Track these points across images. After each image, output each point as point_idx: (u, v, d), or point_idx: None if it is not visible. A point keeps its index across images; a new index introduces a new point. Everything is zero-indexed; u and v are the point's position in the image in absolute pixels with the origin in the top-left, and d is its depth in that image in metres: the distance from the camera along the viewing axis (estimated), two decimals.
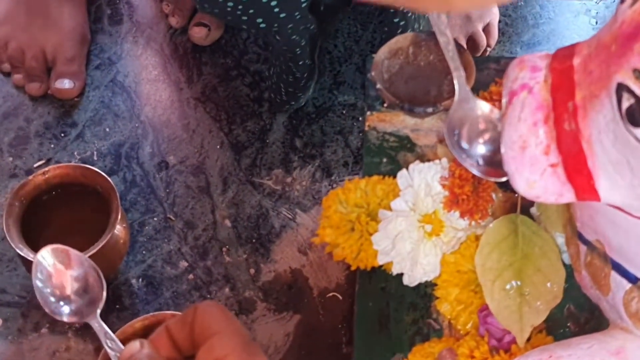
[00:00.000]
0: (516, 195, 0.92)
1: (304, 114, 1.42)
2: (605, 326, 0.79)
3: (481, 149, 0.69)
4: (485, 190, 0.86)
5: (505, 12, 1.53)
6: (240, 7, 0.99)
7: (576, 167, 0.62)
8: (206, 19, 1.46)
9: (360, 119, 1.41)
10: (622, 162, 0.59)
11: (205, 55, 1.49)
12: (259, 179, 1.36)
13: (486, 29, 1.44)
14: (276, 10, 1.01)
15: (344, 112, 1.42)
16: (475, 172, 0.69)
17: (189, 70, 1.47)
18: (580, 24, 1.52)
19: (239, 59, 1.48)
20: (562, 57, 0.64)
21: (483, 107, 0.70)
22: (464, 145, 0.69)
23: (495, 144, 0.68)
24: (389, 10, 1.16)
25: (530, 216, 0.89)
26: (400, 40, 0.96)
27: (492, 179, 0.68)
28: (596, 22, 1.52)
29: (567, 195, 0.64)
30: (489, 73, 0.97)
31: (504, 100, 0.67)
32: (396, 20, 1.19)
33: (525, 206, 0.90)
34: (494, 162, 0.69)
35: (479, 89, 0.90)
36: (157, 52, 1.49)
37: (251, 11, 1.00)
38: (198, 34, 1.46)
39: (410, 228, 0.87)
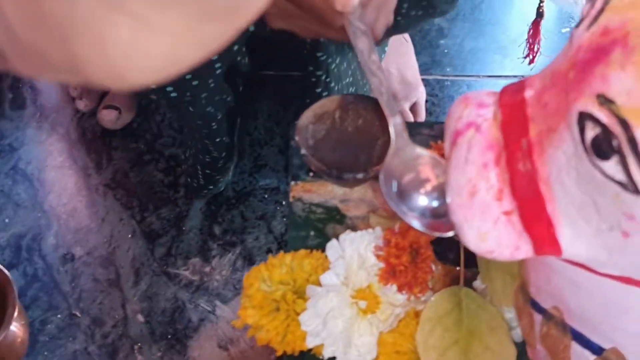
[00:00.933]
0: (457, 267, 0.84)
1: (223, 199, 1.33)
2: None
3: (424, 200, 0.61)
4: (424, 261, 0.78)
5: (432, 92, 1.48)
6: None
7: (534, 214, 0.54)
8: (116, 101, 1.38)
9: (284, 202, 1.33)
10: (587, 203, 0.52)
11: (115, 139, 1.40)
12: (175, 269, 1.26)
13: (413, 108, 1.39)
14: (188, 77, 0.93)
15: (266, 196, 1.34)
16: (418, 227, 0.61)
17: (98, 155, 1.38)
18: None
19: (153, 142, 1.40)
20: (512, 91, 0.57)
21: (423, 154, 0.62)
22: (404, 197, 0.61)
23: (440, 193, 0.60)
24: (310, 80, 1.09)
25: (475, 290, 0.81)
26: (326, 104, 0.88)
27: (439, 234, 0.60)
28: None
29: (524, 248, 0.56)
30: (422, 139, 0.90)
31: (447, 143, 0.59)
32: (318, 90, 1.12)
33: (468, 279, 0.81)
34: (439, 214, 0.61)
35: None
36: (63, 137, 1.40)
37: None
38: (108, 117, 1.38)
39: (342, 305, 0.77)
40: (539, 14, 1.22)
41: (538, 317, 0.67)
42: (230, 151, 1.26)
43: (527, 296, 0.69)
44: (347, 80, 1.18)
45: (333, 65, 1.10)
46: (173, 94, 0.96)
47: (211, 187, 1.30)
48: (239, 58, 0.96)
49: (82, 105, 1.40)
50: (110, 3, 0.31)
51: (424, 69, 1.50)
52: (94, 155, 1.38)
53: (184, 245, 1.28)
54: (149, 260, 1.26)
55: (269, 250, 1.27)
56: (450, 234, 0.59)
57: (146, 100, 1.40)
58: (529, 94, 0.56)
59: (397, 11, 0.92)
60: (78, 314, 1.19)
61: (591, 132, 0.49)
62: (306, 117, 0.87)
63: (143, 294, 1.23)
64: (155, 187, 1.34)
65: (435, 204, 0.62)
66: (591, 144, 0.49)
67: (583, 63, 0.51)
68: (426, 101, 1.44)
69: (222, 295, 1.24)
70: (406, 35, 1.39)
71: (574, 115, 0.50)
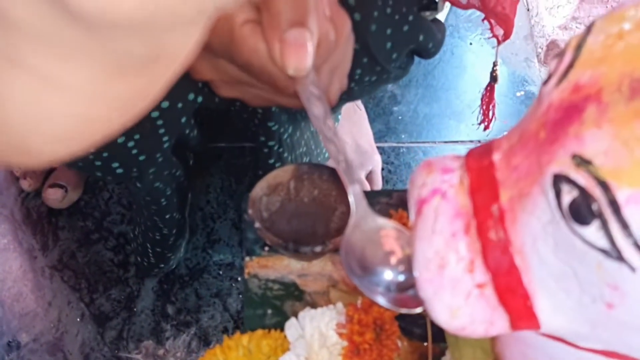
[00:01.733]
0: (425, 343, 0.79)
1: (175, 277, 1.28)
2: None
3: (388, 274, 0.56)
4: (390, 337, 0.73)
5: (388, 160, 1.45)
6: (92, 150, 0.86)
7: (509, 286, 0.50)
8: (62, 179, 1.32)
9: (239, 279, 1.27)
10: (566, 274, 0.48)
11: (62, 218, 1.35)
12: (127, 354, 1.20)
13: (369, 177, 1.36)
14: (134, 152, 0.88)
15: (221, 272, 1.29)
16: (383, 303, 0.56)
17: (43, 236, 1.32)
18: None
19: (101, 220, 1.34)
20: (479, 155, 0.53)
21: (386, 224, 0.58)
22: (367, 271, 0.57)
23: (406, 266, 0.56)
24: (262, 151, 1.05)
25: None
26: (280, 174, 0.84)
27: (406, 310, 0.55)
28: None
29: (499, 323, 0.52)
30: (381, 208, 0.86)
31: (411, 212, 0.55)
32: (271, 161, 1.08)
33: (437, 354, 0.77)
34: (406, 288, 0.56)
35: None
36: (7, 219, 1.34)
37: (105, 154, 0.87)
38: (53, 195, 1.32)
39: None
40: (493, 78, 1.19)
41: None
42: (182, 227, 1.21)
43: None
44: (301, 150, 1.15)
45: (285, 135, 1.06)
46: (119, 170, 0.91)
47: (162, 265, 1.24)
48: (187, 131, 0.91)
49: (26, 184, 1.34)
50: (4, 56, 0.26)
51: (378, 137, 1.48)
52: (40, 236, 1.32)
53: (136, 328, 1.22)
54: (99, 344, 1.20)
55: (225, 330, 1.22)
56: (418, 310, 0.55)
57: (93, 177, 1.35)
58: (497, 156, 0.52)
59: (351, 77, 0.89)
60: None
61: (568, 196, 0.46)
62: (259, 188, 0.83)
63: None
64: (105, 267, 1.29)
65: (401, 278, 0.58)
66: (569, 208, 0.46)
67: (555, 122, 0.48)
68: (382, 169, 1.41)
69: None
70: (359, 103, 1.36)
71: (548, 178, 0.47)
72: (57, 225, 1.33)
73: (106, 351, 1.19)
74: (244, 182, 1.39)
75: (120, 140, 0.86)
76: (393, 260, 0.56)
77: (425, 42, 0.95)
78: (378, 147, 1.45)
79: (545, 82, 0.50)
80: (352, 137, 1.34)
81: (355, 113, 1.35)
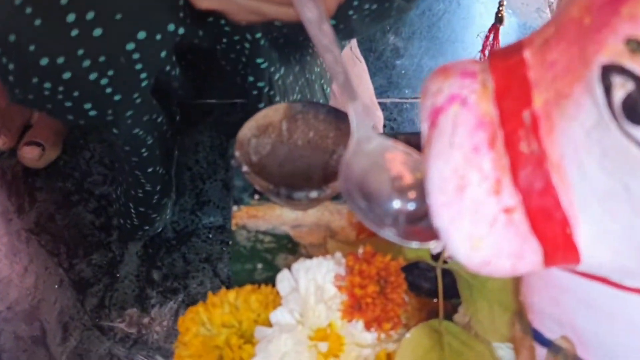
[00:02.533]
0: (434, 300, 0.71)
1: (162, 241, 1.21)
2: None
3: (397, 202, 0.48)
4: (395, 291, 0.65)
5: (390, 116, 1.41)
6: (61, 88, 0.77)
7: (543, 209, 0.42)
8: (39, 137, 1.25)
9: (230, 242, 1.20)
10: (615, 191, 0.40)
11: (39, 179, 1.28)
12: (109, 322, 1.14)
13: None
14: (108, 90, 0.79)
15: (210, 235, 1.22)
16: (391, 237, 0.48)
17: (19, 197, 1.26)
18: None
19: (81, 181, 1.28)
20: (506, 53, 0.45)
21: (392, 146, 0.49)
22: (372, 201, 0.48)
23: (417, 193, 0.47)
24: (251, 93, 0.97)
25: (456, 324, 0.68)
26: (270, 114, 0.76)
27: (417, 245, 0.47)
28: None
29: (530, 257, 0.44)
30: None
31: (424, 125, 0.46)
32: (261, 105, 0.99)
33: (448, 312, 0.69)
34: (417, 219, 0.48)
35: None
36: None
37: (76, 94, 0.78)
38: (30, 154, 1.25)
39: (298, 348, 0.65)
40: (498, 20, 1.12)
41: (542, 352, 0.56)
42: (167, 185, 1.13)
43: (526, 325, 0.57)
44: (295, 96, 1.06)
45: (277, 76, 0.97)
46: (92, 112, 0.82)
47: (147, 227, 1.17)
48: (168, 68, 0.83)
49: (0, 142, 1.26)
50: None
51: (380, 92, 1.42)
52: (15, 197, 1.25)
53: (119, 295, 1.16)
54: (79, 313, 1.13)
55: None
56: (432, 243, 0.46)
57: (73, 135, 1.27)
58: (528, 53, 0.44)
59: (349, 4, 0.81)
60: None
61: (621, 90, 0.39)
62: (248, 129, 0.74)
63: (73, 351, 1.11)
64: (85, 231, 1.22)
65: (411, 206, 0.50)
66: (622, 106, 0.39)
67: (602, 3, 0.40)
68: (384, 126, 1.35)
69: (164, 349, 1.12)
70: (359, 54, 1.28)
71: (595, 72, 0.40)
72: (34, 186, 1.27)
73: (86, 320, 1.13)
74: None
75: (92, 77, 0.77)
76: (401, 185, 0.48)
77: None
78: (380, 103, 1.39)
79: None
80: None
81: (355, 65, 1.27)
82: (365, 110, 0.49)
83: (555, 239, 0.42)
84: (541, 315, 0.54)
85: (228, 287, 1.12)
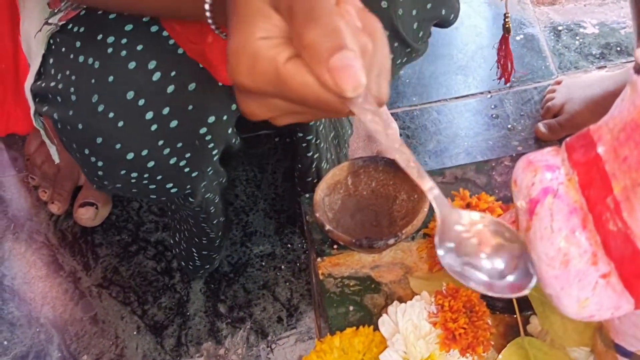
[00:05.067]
0: (509, 315, 0.82)
1: (220, 276, 1.29)
2: None
3: (486, 264, 0.57)
4: (481, 318, 0.75)
5: (404, 125, 1.46)
6: (146, 175, 0.87)
7: (634, 272, 0.52)
8: (92, 196, 1.33)
9: (282, 267, 1.29)
10: None
11: (97, 236, 1.35)
12: (189, 358, 1.21)
13: None
14: (187, 170, 0.89)
15: (264, 263, 1.30)
16: (485, 292, 0.57)
17: (82, 256, 1.32)
18: (481, 121, 1.47)
19: (136, 232, 1.35)
20: (582, 149, 0.54)
21: (470, 217, 0.58)
22: (465, 265, 0.58)
23: (500, 253, 0.57)
24: (301, 146, 1.06)
25: (531, 336, 0.79)
26: (337, 173, 0.86)
27: (510, 296, 0.57)
28: (497, 117, 1.46)
29: (625, 306, 0.54)
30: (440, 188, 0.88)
31: (522, 213, 0.56)
32: (309, 154, 1.09)
33: (522, 324, 0.79)
34: (503, 275, 0.58)
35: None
36: (43, 245, 1.34)
37: (159, 177, 0.88)
38: (85, 214, 1.32)
39: None
40: (506, 30, 1.21)
41: None
42: (226, 229, 1.22)
43: (608, 341, 0.67)
44: (332, 135, 1.16)
45: (321, 127, 1.07)
46: (173, 190, 0.92)
47: (207, 266, 1.25)
48: (233, 140, 0.92)
49: (55, 208, 1.34)
50: None
51: (390, 103, 1.49)
52: (80, 256, 1.32)
53: (193, 331, 1.24)
54: (160, 354, 1.21)
55: (280, 319, 1.24)
56: (525, 292, 0.56)
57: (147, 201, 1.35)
58: (601, 149, 0.54)
59: None
60: None
61: None
62: (320, 190, 0.84)
63: None
64: (149, 277, 1.30)
65: (499, 265, 0.60)
66: None
67: None
68: (400, 135, 1.41)
69: None
70: None
71: None
72: (94, 243, 1.34)
73: (169, 359, 1.20)
74: (267, 170, 1.40)
75: (172, 161, 0.87)
76: (486, 250, 0.57)
77: (447, 14, 0.96)
78: (392, 114, 1.46)
79: (638, 71, 0.52)
80: None
81: None
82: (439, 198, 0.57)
83: None
84: (622, 334, 0.65)
85: (289, 310, 1.22)
